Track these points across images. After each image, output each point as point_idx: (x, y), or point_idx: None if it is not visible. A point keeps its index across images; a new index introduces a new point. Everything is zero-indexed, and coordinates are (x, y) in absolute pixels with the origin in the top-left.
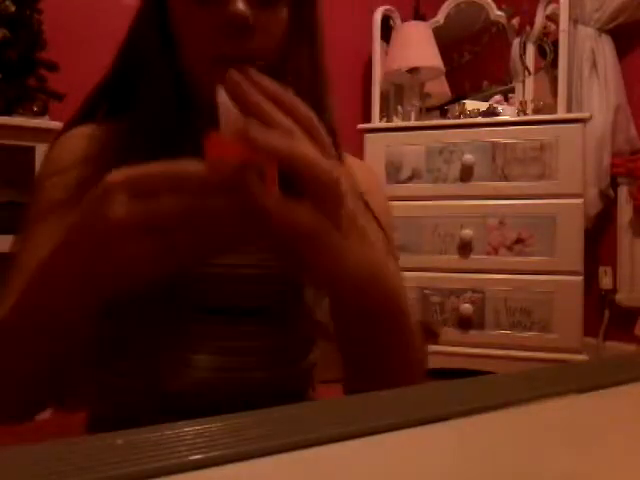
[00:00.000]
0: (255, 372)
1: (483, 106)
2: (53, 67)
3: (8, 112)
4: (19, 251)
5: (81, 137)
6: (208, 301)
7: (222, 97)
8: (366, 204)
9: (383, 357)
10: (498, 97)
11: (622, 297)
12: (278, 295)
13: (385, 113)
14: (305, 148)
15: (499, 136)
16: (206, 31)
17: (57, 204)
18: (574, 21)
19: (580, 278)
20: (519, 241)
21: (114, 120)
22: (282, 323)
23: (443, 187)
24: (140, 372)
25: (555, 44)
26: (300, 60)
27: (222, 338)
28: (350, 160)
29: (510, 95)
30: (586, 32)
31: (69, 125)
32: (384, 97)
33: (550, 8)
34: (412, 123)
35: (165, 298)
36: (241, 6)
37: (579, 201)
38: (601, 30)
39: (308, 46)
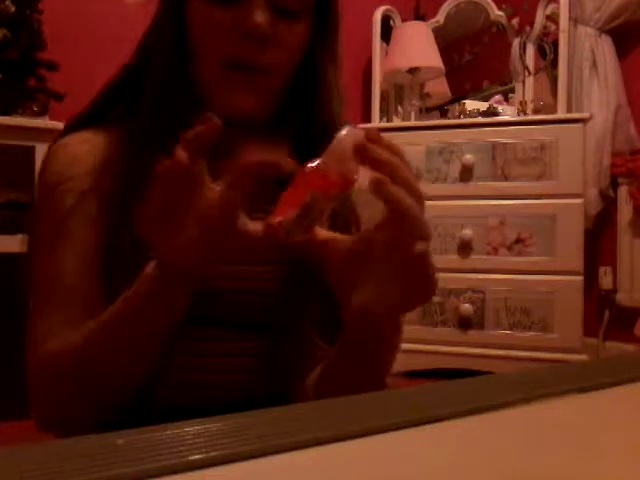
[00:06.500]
0: (248, 375)
1: (483, 106)
2: (53, 67)
3: (8, 112)
4: (45, 264)
5: (86, 142)
6: (209, 312)
7: (343, 135)
8: None
9: (374, 369)
10: (498, 97)
11: (622, 297)
12: (276, 308)
13: (385, 113)
14: (417, 207)
15: (499, 136)
16: (222, 35)
17: (71, 211)
18: (574, 21)
19: (580, 278)
20: (519, 241)
21: (118, 125)
22: (280, 335)
23: (443, 187)
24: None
25: (555, 44)
26: (328, 77)
27: (219, 340)
28: None
29: (510, 95)
30: (586, 32)
31: (73, 125)
32: (384, 97)
33: (550, 8)
34: (412, 123)
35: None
36: (261, 18)
37: (579, 201)
38: (601, 30)
39: (333, 62)
